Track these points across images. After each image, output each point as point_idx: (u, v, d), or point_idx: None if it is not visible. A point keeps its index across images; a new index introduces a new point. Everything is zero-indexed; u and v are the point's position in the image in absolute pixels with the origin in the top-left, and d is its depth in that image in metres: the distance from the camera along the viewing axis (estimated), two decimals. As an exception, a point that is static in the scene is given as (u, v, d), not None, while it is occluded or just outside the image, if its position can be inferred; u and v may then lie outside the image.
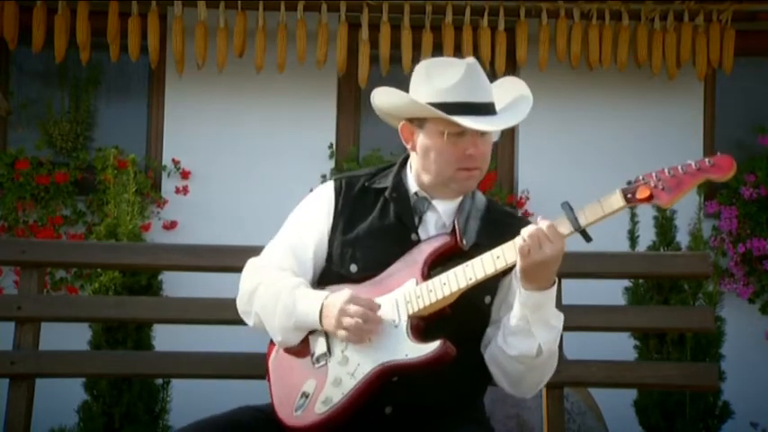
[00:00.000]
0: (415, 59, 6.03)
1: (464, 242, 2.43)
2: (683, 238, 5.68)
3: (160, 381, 5.09)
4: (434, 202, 2.52)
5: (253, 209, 6.21)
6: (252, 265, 2.60)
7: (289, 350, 2.49)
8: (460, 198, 2.52)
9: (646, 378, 3.06)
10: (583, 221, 2.28)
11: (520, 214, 5.04)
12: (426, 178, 2.51)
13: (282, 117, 6.51)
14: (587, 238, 2.29)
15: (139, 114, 6.67)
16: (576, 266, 3.06)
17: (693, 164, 2.24)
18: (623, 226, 5.65)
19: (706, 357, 5.23)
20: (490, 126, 2.43)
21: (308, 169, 6.31)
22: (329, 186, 2.59)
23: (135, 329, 4.92)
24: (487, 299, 2.47)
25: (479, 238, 2.45)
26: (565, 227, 2.29)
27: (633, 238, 5.58)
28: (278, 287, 2.46)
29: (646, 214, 5.63)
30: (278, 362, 2.52)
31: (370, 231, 2.50)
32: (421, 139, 2.49)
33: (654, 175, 2.27)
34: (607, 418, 5.13)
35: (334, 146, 6.55)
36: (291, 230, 2.59)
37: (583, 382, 3.12)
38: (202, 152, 6.48)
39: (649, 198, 2.26)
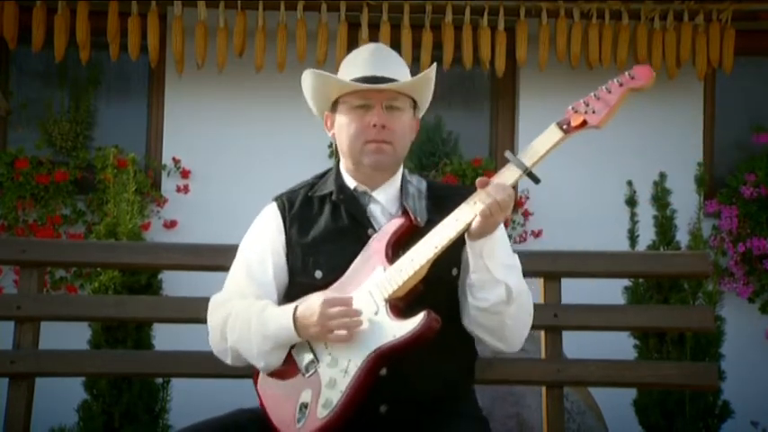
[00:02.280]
0: (416, 59, 6.05)
1: (418, 220, 2.47)
2: (682, 237, 5.67)
3: (160, 380, 5.08)
4: (374, 194, 2.57)
5: (253, 209, 6.16)
6: (215, 302, 2.63)
7: (274, 373, 2.50)
8: (398, 184, 2.57)
9: (645, 377, 3.06)
10: (528, 162, 2.35)
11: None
12: (347, 163, 2.60)
13: (282, 117, 6.50)
14: (535, 180, 2.37)
15: (139, 114, 6.66)
16: (576, 266, 3.07)
17: (615, 81, 2.38)
18: (623, 226, 5.64)
19: (706, 357, 5.22)
20: (377, 86, 2.51)
21: (308, 169, 6.18)
22: (273, 207, 2.69)
23: (135, 329, 4.90)
24: (454, 271, 2.50)
25: (431, 214, 2.49)
26: (512, 173, 2.36)
27: (633, 238, 5.58)
28: (246, 316, 2.48)
29: (646, 214, 5.62)
30: (267, 386, 2.53)
31: (327, 236, 2.54)
32: (336, 121, 2.59)
33: (582, 102, 2.37)
34: (607, 418, 5.12)
35: (334, 146, 6.55)
36: (246, 257, 2.64)
37: (582, 381, 3.13)
38: (202, 152, 6.48)
39: (583, 123, 2.37)
